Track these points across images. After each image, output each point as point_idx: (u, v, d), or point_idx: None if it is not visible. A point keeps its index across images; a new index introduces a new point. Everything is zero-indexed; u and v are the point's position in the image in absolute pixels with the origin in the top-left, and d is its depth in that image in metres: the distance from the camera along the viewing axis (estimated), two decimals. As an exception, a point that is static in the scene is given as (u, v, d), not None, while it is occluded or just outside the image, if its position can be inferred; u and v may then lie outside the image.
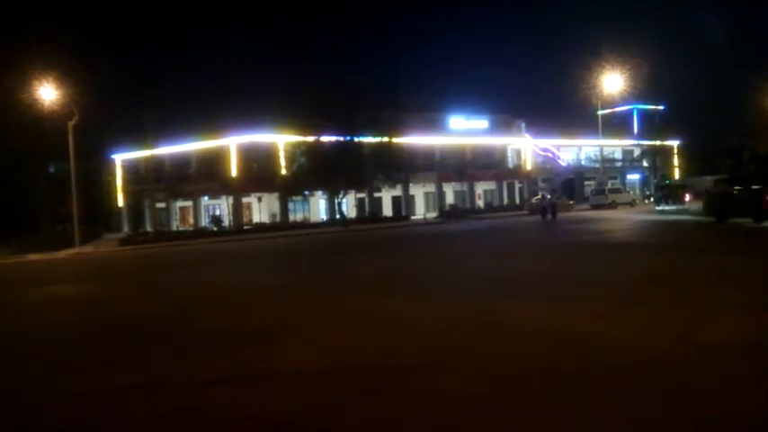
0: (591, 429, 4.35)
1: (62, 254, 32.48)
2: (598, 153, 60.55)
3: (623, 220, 30.95)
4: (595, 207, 47.86)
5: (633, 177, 68.53)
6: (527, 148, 60.19)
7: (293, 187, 42.84)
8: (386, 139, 40.49)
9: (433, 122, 51.41)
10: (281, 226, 42.80)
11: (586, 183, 62.09)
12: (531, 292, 10.22)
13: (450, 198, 55.25)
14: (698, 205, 27.49)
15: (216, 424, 4.92)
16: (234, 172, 44.38)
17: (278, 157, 43.71)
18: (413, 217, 50.16)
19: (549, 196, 39.08)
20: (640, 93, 56.27)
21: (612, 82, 50.99)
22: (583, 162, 65.86)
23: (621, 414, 4.55)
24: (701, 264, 12.99)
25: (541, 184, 60.75)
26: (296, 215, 47.83)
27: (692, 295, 9.11)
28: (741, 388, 4.99)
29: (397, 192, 50.76)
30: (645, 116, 68.85)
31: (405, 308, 9.51)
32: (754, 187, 23.40)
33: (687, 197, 31.89)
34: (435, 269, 15.11)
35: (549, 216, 34.48)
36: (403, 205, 51.90)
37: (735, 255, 14.54)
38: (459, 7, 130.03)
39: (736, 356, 5.85)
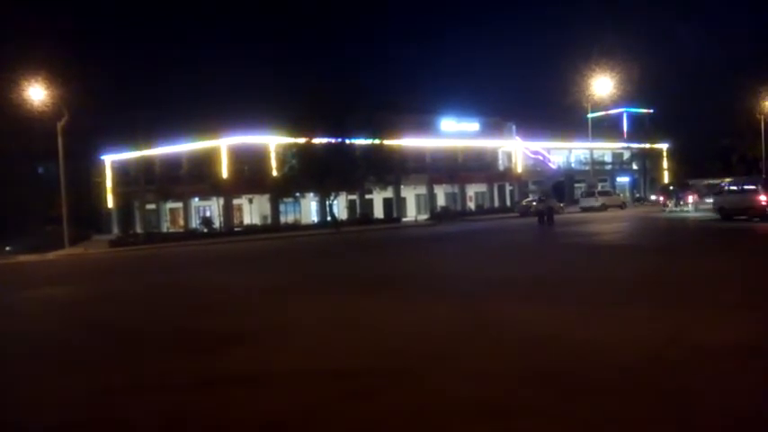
0: (589, 430, 4.36)
1: (51, 255, 32.24)
2: (588, 156, 60.85)
3: (617, 221, 31.12)
4: (585, 210, 48.05)
5: (623, 180, 68.90)
6: (518, 150, 60.38)
7: (284, 189, 42.66)
8: (377, 140, 40.45)
9: (424, 124, 51.48)
10: (272, 228, 42.68)
11: (576, 185, 62.35)
12: (527, 294, 10.25)
13: (441, 200, 55.31)
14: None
15: (212, 424, 4.89)
16: (225, 173, 44.21)
17: (269, 159, 43.56)
18: (404, 219, 50.18)
19: (544, 198, 38.06)
20: (630, 96, 56.63)
21: (602, 85, 51.27)
22: (573, 165, 66.12)
23: (619, 415, 4.57)
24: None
25: (532, 187, 60.94)
26: (287, 217, 47.71)
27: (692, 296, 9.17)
28: (736, 389, 5.02)
29: (389, 194, 50.75)
30: (634, 119, 69.27)
31: (401, 309, 9.50)
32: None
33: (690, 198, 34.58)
34: (430, 271, 15.12)
35: (546, 219, 32.92)
36: (394, 207, 51.89)
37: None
38: (450, 10, 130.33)
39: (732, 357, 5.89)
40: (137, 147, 43.82)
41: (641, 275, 11.87)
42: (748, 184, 26.79)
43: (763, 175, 30.91)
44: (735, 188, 27.60)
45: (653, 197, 58.55)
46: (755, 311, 7.93)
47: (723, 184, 29.93)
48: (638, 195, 64.27)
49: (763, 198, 24.92)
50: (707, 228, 24.94)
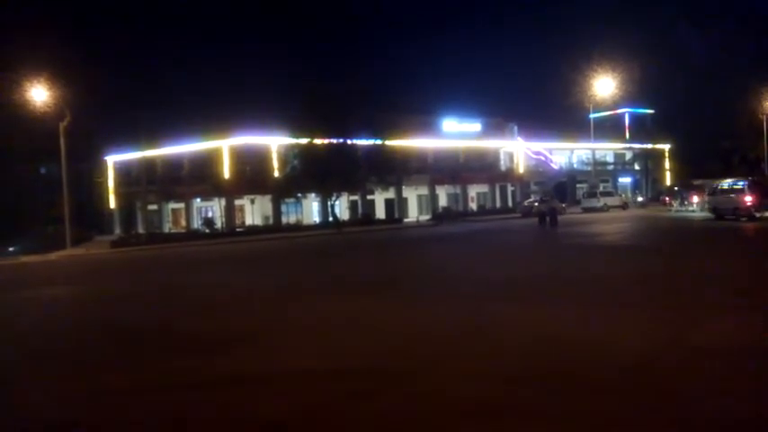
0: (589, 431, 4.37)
1: (53, 255, 32.26)
2: (590, 156, 60.75)
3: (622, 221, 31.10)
4: (587, 210, 48.04)
5: (625, 180, 68.81)
6: (519, 151, 60.33)
7: (286, 189, 42.70)
8: (379, 141, 40.47)
9: (426, 125, 51.43)
10: (273, 228, 42.67)
11: (578, 186, 62.29)
12: (528, 296, 10.25)
13: (443, 201, 55.29)
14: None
15: (212, 424, 4.90)
16: (226, 174, 44.22)
17: (271, 159, 43.59)
18: (406, 219, 50.15)
19: (547, 199, 36.64)
20: (632, 96, 56.52)
21: (604, 85, 51.17)
22: (575, 165, 66.05)
23: (619, 416, 4.57)
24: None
25: (534, 187, 60.89)
26: (289, 217, 47.69)
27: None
28: (731, 388, 5.02)
29: (390, 194, 50.73)
30: (636, 119, 69.15)
31: (402, 310, 9.51)
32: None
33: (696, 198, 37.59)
34: (431, 272, 15.12)
35: (548, 220, 30.86)
36: (396, 208, 51.87)
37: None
38: (452, 11, 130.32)
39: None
40: (139, 147, 43.85)
41: (640, 276, 11.87)
42: (736, 186, 27.88)
43: (750, 177, 31.77)
44: (725, 189, 28.69)
45: (640, 198, 58.68)
46: (746, 312, 7.93)
47: (716, 186, 30.88)
48: (639, 197, 64.15)
49: (748, 198, 26.27)
50: (702, 228, 25.54)
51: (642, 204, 54.16)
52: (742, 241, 19.87)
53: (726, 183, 29.92)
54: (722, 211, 27.77)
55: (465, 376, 5.72)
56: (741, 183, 28.03)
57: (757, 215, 26.02)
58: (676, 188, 44.39)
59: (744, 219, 26.23)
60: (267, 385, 5.89)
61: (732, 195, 27.43)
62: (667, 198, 44.13)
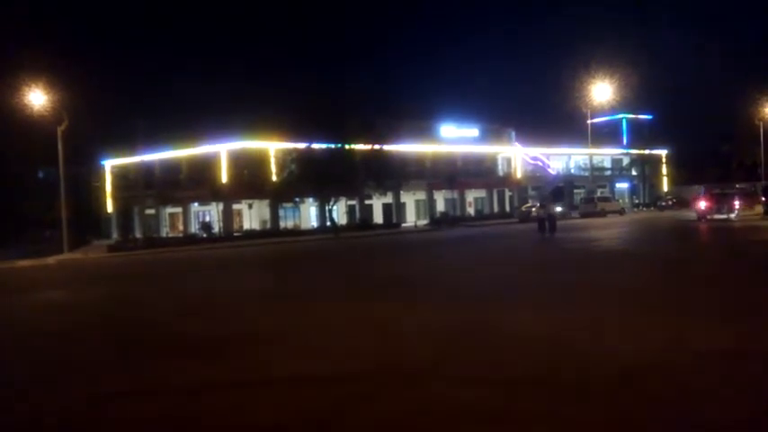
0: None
1: (51, 260, 32.20)
2: (587, 162, 60.92)
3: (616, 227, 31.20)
4: (585, 215, 48.12)
5: (622, 186, 68.97)
6: (517, 156, 60.47)
7: (284, 194, 42.68)
8: (377, 146, 40.51)
9: (423, 130, 51.55)
10: (271, 233, 42.64)
11: (576, 191, 62.43)
12: (524, 300, 10.25)
13: (440, 206, 55.36)
14: None
15: (210, 429, 4.89)
16: (224, 178, 44.22)
17: (268, 164, 43.57)
18: (403, 224, 50.17)
19: (545, 204, 34.64)
20: (629, 102, 56.83)
21: (602, 91, 51.37)
22: (572, 171, 66.19)
23: (617, 419, 4.58)
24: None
25: (531, 192, 61.04)
26: (286, 222, 47.69)
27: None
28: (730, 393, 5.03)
29: (388, 199, 50.77)
30: (634, 125, 69.41)
31: (401, 314, 9.50)
32: None
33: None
34: (430, 276, 15.12)
35: (548, 226, 28.50)
36: (394, 212, 51.90)
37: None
38: (450, 17, 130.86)
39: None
40: (137, 152, 43.84)
41: (638, 281, 11.92)
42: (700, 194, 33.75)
43: (736, 184, 35.76)
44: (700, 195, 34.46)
45: (638, 206, 59.13)
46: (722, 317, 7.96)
47: (698, 192, 36.94)
48: (636, 201, 64.27)
49: (702, 204, 32.06)
50: (678, 227, 29.87)
51: (639, 209, 54.37)
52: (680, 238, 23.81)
53: (701, 191, 35.14)
54: (698, 213, 33.07)
55: (466, 380, 5.72)
56: (700, 191, 33.63)
57: (708, 217, 31.13)
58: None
59: (702, 220, 31.16)
60: (268, 389, 5.88)
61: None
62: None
